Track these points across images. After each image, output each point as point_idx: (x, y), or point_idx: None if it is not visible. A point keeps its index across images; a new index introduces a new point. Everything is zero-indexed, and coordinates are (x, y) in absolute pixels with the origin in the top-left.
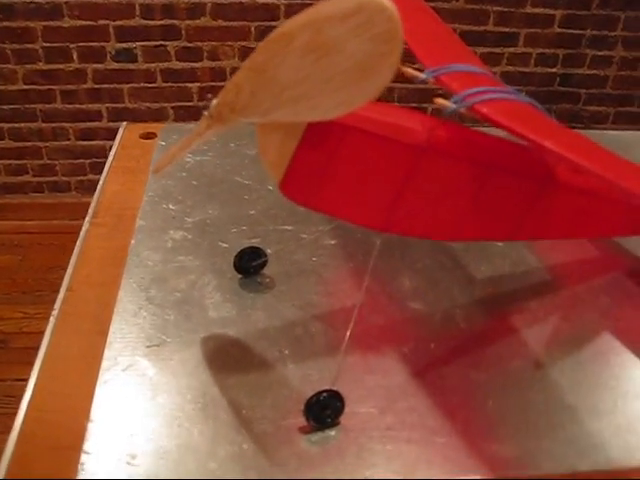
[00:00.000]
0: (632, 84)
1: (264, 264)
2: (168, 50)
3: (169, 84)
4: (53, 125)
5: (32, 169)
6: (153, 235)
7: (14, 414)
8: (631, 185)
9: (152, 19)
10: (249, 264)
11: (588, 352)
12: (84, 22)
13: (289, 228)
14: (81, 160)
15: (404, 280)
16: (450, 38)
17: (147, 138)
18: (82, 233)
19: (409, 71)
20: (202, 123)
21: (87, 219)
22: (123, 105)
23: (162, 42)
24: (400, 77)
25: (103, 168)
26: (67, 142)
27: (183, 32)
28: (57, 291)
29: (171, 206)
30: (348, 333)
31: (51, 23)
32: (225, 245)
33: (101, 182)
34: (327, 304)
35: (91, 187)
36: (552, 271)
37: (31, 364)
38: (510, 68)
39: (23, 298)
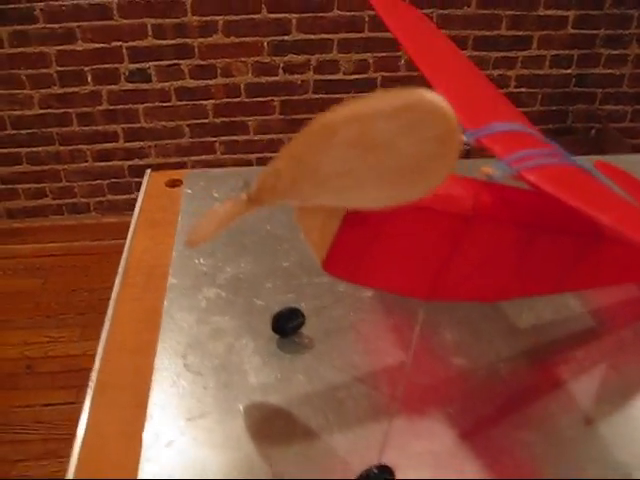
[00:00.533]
0: None
1: (302, 324)
2: (182, 69)
3: (184, 102)
4: (70, 148)
5: (51, 192)
6: (186, 294)
7: (43, 440)
8: None
9: (164, 39)
10: (287, 325)
11: (638, 403)
12: (97, 45)
13: (325, 280)
14: (99, 181)
15: (446, 334)
16: (483, 84)
17: (173, 186)
18: (114, 294)
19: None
20: (240, 206)
21: (118, 279)
22: (139, 125)
23: (175, 61)
24: None
25: (121, 188)
26: (85, 164)
27: (196, 50)
28: (81, 314)
29: (202, 261)
30: (394, 399)
31: (65, 47)
32: (261, 302)
33: (129, 237)
34: (368, 364)
35: (110, 207)
36: (596, 315)
37: (58, 388)
38: (525, 71)
39: (47, 322)
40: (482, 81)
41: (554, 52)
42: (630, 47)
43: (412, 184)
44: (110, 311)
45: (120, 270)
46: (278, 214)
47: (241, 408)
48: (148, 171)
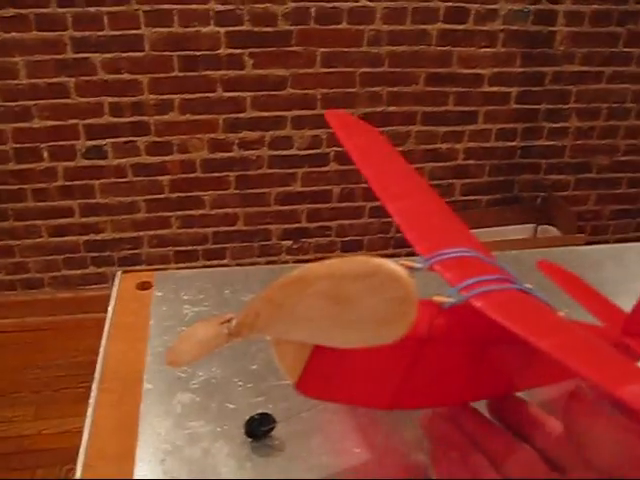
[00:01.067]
0: (588, 152)
1: (273, 428)
2: (138, 145)
3: (140, 178)
4: (25, 223)
5: (4, 267)
6: (161, 400)
7: None
8: (624, 393)
9: (121, 116)
10: (259, 429)
11: None
12: (54, 122)
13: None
14: (54, 256)
15: (406, 432)
16: (436, 206)
17: (143, 288)
18: (92, 400)
19: (406, 263)
20: (221, 338)
21: (94, 385)
22: (95, 201)
23: (132, 138)
24: None
25: (76, 263)
26: (40, 239)
27: (152, 127)
28: (36, 392)
29: None
30: None
31: (21, 125)
32: (232, 406)
33: (104, 342)
34: (336, 465)
35: (65, 282)
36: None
37: (11, 470)
38: (472, 144)
39: (0, 401)
40: (435, 202)
41: (499, 126)
42: (570, 120)
43: (376, 335)
44: (89, 418)
45: (96, 376)
46: None
47: None
48: (119, 273)
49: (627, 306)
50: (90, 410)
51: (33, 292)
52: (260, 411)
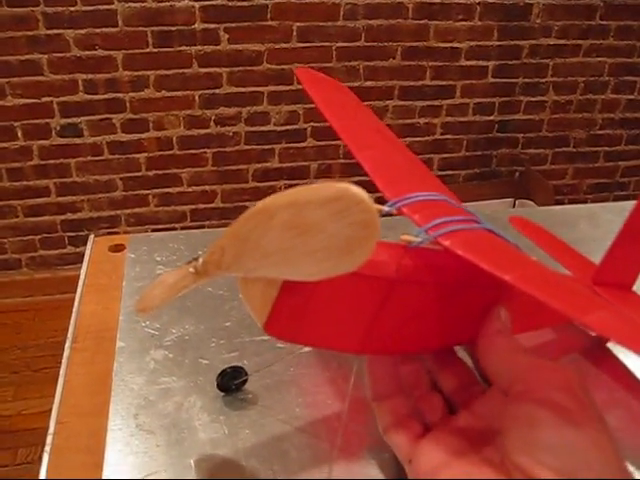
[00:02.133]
0: (566, 126)
1: (245, 381)
2: (113, 123)
3: (116, 156)
4: (0, 204)
5: None
6: (134, 357)
7: None
8: (591, 319)
9: (96, 93)
10: (231, 382)
11: None
12: (28, 100)
13: (265, 339)
14: (31, 237)
15: None
16: (404, 156)
17: (116, 251)
18: (64, 359)
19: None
20: (188, 278)
21: (67, 344)
22: (71, 179)
23: (107, 115)
24: None
25: (54, 242)
26: (16, 219)
27: (127, 104)
28: (15, 372)
29: (148, 324)
30: (333, 447)
31: None
32: (206, 362)
33: (76, 303)
34: (309, 415)
35: (43, 263)
36: None
37: None
38: (450, 119)
39: None
40: (403, 152)
41: (477, 100)
42: (547, 94)
43: (340, 262)
44: (62, 377)
45: (69, 336)
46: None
47: (192, 463)
48: (91, 237)
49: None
50: (63, 369)
51: (11, 273)
52: (233, 364)
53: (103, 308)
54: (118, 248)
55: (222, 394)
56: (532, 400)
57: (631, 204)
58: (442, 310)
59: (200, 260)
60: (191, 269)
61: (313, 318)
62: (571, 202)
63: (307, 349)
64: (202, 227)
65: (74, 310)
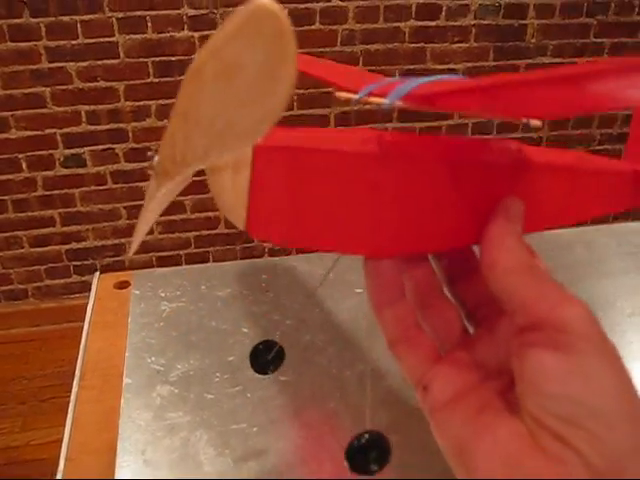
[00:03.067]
0: (565, 142)
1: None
2: (116, 152)
3: (120, 185)
4: (6, 234)
5: None
6: (141, 393)
7: None
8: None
9: (98, 124)
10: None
11: None
12: (31, 132)
13: (268, 375)
14: (37, 266)
15: (381, 415)
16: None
17: (121, 288)
18: (73, 396)
19: (343, 95)
20: (152, 184)
21: (75, 381)
22: (76, 209)
23: (110, 145)
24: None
25: (59, 272)
26: (21, 250)
27: (130, 134)
28: (22, 402)
29: (154, 359)
30: None
31: None
32: (210, 396)
33: (83, 340)
34: (312, 448)
35: (48, 292)
36: None
37: None
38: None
39: None
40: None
41: (475, 120)
42: None
43: (268, 96)
44: (70, 414)
45: (77, 373)
46: (223, 311)
47: None
48: (97, 274)
49: (595, 287)
50: (71, 406)
51: (17, 303)
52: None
53: (110, 345)
54: (123, 285)
55: (228, 429)
56: (536, 341)
57: (626, 226)
58: (449, 196)
59: (156, 159)
60: (150, 172)
61: (301, 211)
62: None
63: (308, 392)
64: (207, 253)
65: (81, 347)
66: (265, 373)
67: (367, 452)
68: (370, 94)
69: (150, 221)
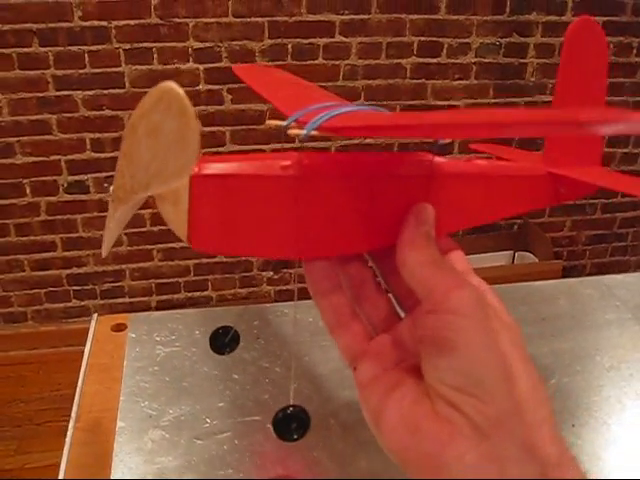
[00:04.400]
0: None
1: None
2: None
3: None
4: (8, 258)
5: None
6: (133, 437)
7: None
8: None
9: (102, 152)
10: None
11: None
12: (36, 158)
13: (256, 419)
14: (37, 290)
15: (360, 462)
16: (312, 88)
17: (118, 330)
18: (68, 439)
19: (272, 123)
20: (110, 208)
21: (71, 424)
22: (77, 234)
23: (113, 172)
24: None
25: (59, 296)
26: (22, 273)
27: None
28: (18, 426)
29: (147, 403)
30: None
31: (4, 161)
32: (200, 442)
33: (80, 383)
34: None
35: (47, 316)
36: None
37: None
38: None
39: None
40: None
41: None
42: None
43: (183, 153)
44: (65, 456)
45: (73, 415)
46: (214, 355)
47: None
48: (95, 316)
49: (577, 340)
50: (66, 448)
51: (16, 326)
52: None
53: (105, 388)
54: (120, 327)
55: (217, 473)
56: (432, 324)
57: (612, 278)
58: (366, 207)
59: (111, 188)
60: (108, 198)
61: (234, 226)
62: (569, 254)
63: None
64: (206, 281)
65: (77, 390)
66: (222, 354)
67: (289, 422)
68: (297, 121)
69: (114, 235)
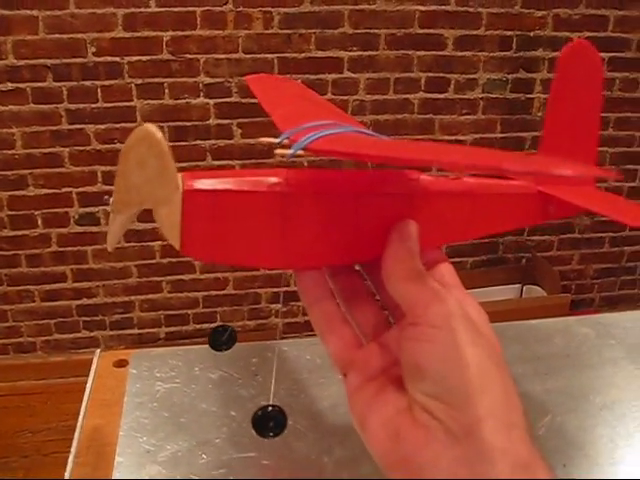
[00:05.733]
0: None
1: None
2: None
3: (132, 244)
4: (18, 288)
5: None
6: (131, 472)
7: None
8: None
9: (113, 184)
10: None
11: None
12: (48, 190)
13: (252, 455)
14: (47, 320)
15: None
16: (316, 103)
17: (120, 366)
18: (67, 474)
19: (264, 140)
20: (111, 218)
21: (70, 458)
22: (87, 266)
23: None
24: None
25: (68, 327)
26: (32, 304)
27: None
28: (25, 456)
29: (145, 439)
30: None
31: (17, 193)
32: (196, 478)
33: (80, 418)
34: None
35: (57, 346)
36: None
37: None
38: None
39: None
40: (320, 104)
41: None
42: None
43: (167, 185)
44: None
45: (72, 450)
46: (213, 393)
47: None
48: (97, 351)
49: (570, 379)
50: None
51: (25, 356)
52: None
53: (105, 423)
54: (122, 363)
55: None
56: (412, 335)
57: (609, 317)
58: (352, 222)
59: (111, 200)
60: (109, 209)
61: (225, 237)
62: (578, 287)
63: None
64: (214, 313)
65: (78, 425)
66: (220, 350)
67: (267, 420)
68: (290, 139)
69: (117, 236)
